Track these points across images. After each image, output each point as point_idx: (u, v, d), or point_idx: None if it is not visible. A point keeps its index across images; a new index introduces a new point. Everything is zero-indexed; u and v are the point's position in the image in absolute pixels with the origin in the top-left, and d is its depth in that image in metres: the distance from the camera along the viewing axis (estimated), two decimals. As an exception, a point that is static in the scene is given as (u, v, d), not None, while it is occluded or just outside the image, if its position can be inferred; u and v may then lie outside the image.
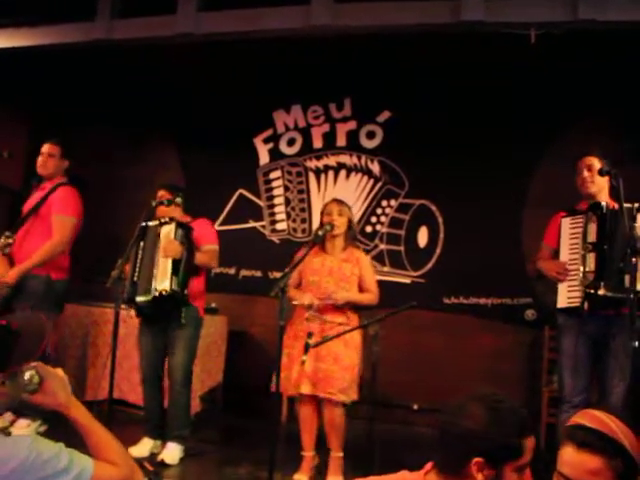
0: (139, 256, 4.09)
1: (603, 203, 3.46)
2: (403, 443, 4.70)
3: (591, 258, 3.39)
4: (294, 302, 3.83)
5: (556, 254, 3.65)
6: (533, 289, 5.03)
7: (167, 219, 4.12)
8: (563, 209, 3.70)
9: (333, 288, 3.85)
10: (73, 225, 4.34)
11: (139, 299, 4.02)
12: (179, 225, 4.09)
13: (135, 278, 4.06)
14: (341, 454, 3.82)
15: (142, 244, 4.10)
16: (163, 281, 3.97)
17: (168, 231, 4.07)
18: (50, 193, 4.34)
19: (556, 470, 1.51)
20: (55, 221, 4.27)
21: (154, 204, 4.09)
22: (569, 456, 1.48)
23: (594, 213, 3.45)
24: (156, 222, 4.14)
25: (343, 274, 3.90)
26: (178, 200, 4.27)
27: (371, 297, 3.91)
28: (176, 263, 4.00)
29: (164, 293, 3.95)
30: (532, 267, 3.88)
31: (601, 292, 3.31)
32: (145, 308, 4.08)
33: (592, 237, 3.42)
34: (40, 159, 4.44)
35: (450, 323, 5.40)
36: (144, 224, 4.12)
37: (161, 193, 4.31)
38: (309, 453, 3.88)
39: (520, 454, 1.49)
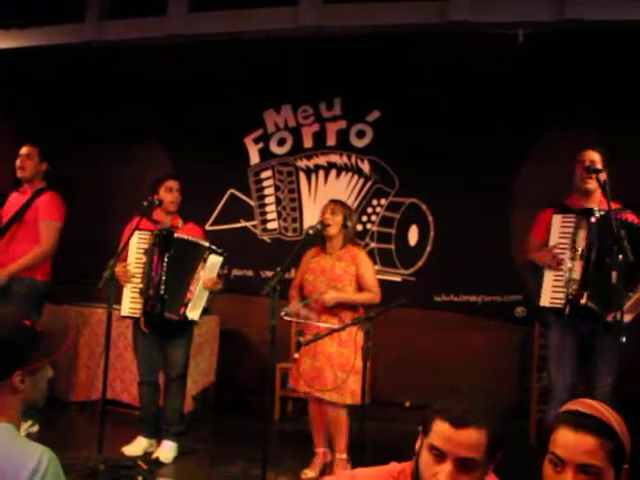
0: (164, 267, 3.97)
1: (596, 209, 3.42)
2: (395, 440, 4.72)
3: (578, 266, 3.40)
4: (282, 315, 3.79)
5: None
6: (523, 286, 5.07)
7: (214, 247, 4.05)
8: (552, 204, 3.70)
9: (324, 288, 3.86)
10: (59, 230, 4.42)
11: (168, 315, 3.98)
12: (226, 259, 4.08)
13: (162, 292, 3.96)
14: (344, 456, 3.82)
15: (167, 255, 3.97)
16: (195, 310, 4.01)
17: (215, 264, 4.04)
18: (34, 198, 4.37)
19: (548, 452, 1.54)
20: (43, 227, 4.33)
21: (146, 204, 4.06)
22: (564, 438, 1.50)
23: (586, 220, 3.42)
24: (201, 242, 4.06)
25: (334, 273, 3.89)
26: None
27: (369, 296, 3.86)
28: (210, 294, 4.06)
29: (190, 320, 4.01)
30: (522, 257, 3.89)
31: (583, 301, 3.36)
32: (161, 319, 4.04)
33: (581, 245, 3.42)
34: (18, 161, 4.45)
35: (441, 321, 5.43)
36: (165, 231, 4.05)
37: (172, 183, 4.23)
38: (319, 449, 3.92)
39: (427, 430, 1.54)
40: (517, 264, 3.96)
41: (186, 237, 4.10)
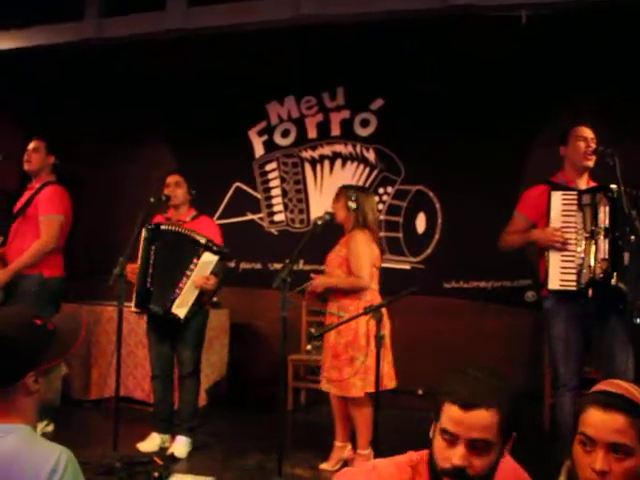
0: (151, 260, 3.97)
1: (614, 186, 3.27)
2: (410, 428, 4.72)
3: (604, 244, 3.23)
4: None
5: (533, 228, 3.55)
6: (533, 270, 5.04)
7: (210, 242, 3.93)
8: (541, 182, 3.58)
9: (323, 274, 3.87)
10: (60, 223, 4.27)
11: (152, 308, 3.98)
12: (222, 257, 3.98)
13: (148, 285, 3.97)
14: (366, 452, 3.71)
15: (154, 248, 3.97)
16: (181, 307, 3.92)
17: (208, 262, 3.93)
18: (37, 193, 4.29)
19: (577, 433, 1.53)
20: (42, 221, 4.22)
21: (153, 200, 4.06)
22: (594, 417, 1.50)
23: (605, 196, 3.27)
24: (196, 237, 3.95)
25: (329, 258, 3.88)
26: (193, 192, 4.27)
27: (352, 280, 3.72)
28: (202, 293, 3.97)
29: (176, 317, 3.93)
30: (514, 238, 3.68)
31: (613, 281, 3.19)
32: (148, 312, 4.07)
33: (604, 222, 3.25)
34: (25, 155, 4.38)
35: (451, 307, 5.41)
36: (154, 226, 4.03)
37: (168, 179, 4.22)
38: (337, 443, 3.86)
39: (438, 416, 1.55)
40: (500, 246, 3.76)
41: (174, 229, 4.03)
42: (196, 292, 3.94)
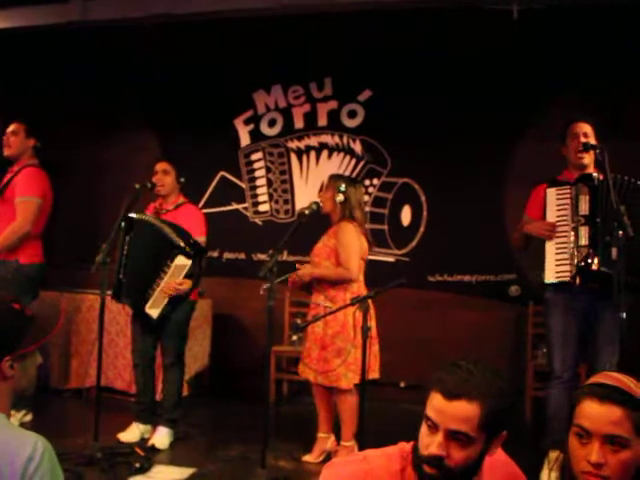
0: (125, 251, 3.90)
1: (595, 174, 3.34)
2: (391, 420, 4.73)
3: (584, 231, 3.30)
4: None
5: None
6: (518, 265, 5.07)
7: (186, 244, 3.83)
8: (544, 181, 3.62)
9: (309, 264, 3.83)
10: (37, 206, 4.16)
11: (123, 300, 3.97)
12: (196, 259, 3.86)
13: (121, 276, 3.92)
14: (350, 444, 3.69)
15: (128, 239, 3.90)
16: (154, 308, 3.87)
17: (181, 267, 3.82)
18: (15, 175, 4.20)
19: (573, 425, 1.52)
20: (18, 204, 4.12)
21: (137, 187, 3.98)
22: (590, 409, 1.49)
23: (585, 185, 3.35)
24: (168, 235, 3.84)
25: (316, 248, 3.84)
26: (182, 180, 4.21)
27: (340, 271, 3.69)
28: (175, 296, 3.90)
29: (149, 316, 3.89)
30: (516, 236, 3.76)
31: (594, 267, 3.24)
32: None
33: (584, 210, 3.32)
34: (4, 139, 4.30)
35: (435, 301, 5.42)
36: (130, 216, 3.94)
37: (156, 166, 4.16)
38: (320, 434, 3.84)
39: (426, 402, 1.53)
40: (513, 247, 3.83)
41: (150, 221, 3.95)
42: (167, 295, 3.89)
